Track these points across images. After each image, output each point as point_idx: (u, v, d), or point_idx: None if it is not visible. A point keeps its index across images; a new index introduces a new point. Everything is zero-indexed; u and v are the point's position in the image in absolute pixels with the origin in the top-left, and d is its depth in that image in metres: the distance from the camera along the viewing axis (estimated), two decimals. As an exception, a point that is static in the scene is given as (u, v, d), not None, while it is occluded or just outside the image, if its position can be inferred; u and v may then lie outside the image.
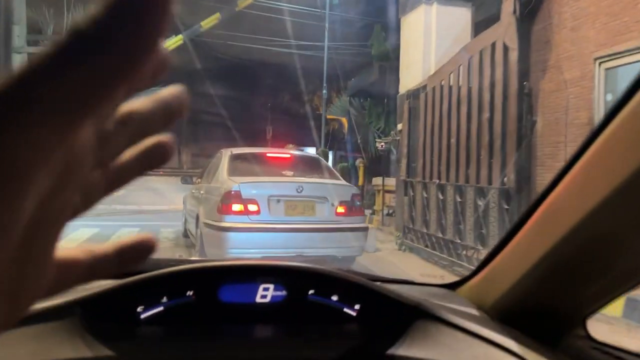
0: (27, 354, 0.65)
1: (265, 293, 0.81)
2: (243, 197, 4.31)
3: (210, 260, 0.83)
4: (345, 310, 0.84)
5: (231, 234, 4.26)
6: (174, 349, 0.73)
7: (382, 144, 9.94)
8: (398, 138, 7.86)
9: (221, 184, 4.65)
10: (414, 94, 7.28)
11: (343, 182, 5.11)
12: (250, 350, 0.75)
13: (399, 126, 7.91)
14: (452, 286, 1.04)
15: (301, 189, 4.47)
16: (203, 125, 33.47)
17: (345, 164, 14.84)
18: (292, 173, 4.94)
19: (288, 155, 5.48)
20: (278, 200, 4.43)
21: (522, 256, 0.79)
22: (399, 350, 0.76)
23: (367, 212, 8.72)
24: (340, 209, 4.59)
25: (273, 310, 0.82)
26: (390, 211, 9.31)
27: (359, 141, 11.59)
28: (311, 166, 5.32)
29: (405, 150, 7.25)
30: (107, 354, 0.68)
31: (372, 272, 1.26)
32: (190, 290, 0.79)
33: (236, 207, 4.28)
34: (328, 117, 32.57)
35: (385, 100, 13.80)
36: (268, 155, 5.39)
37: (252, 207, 4.33)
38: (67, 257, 0.21)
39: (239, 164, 4.95)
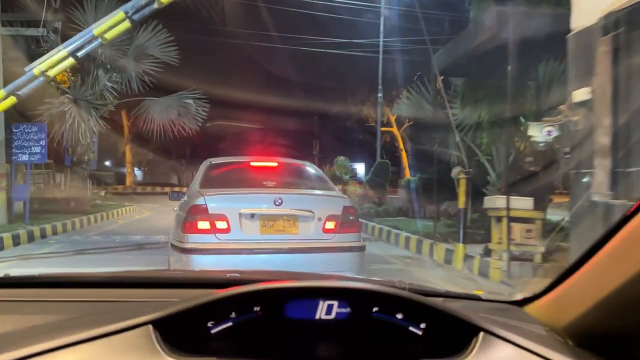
0: None
1: (330, 310, 0.82)
2: (210, 212, 3.75)
3: (277, 278, 0.87)
4: (411, 329, 0.83)
5: (194, 257, 3.72)
6: None
7: (548, 129, 5.34)
8: (574, 118, 4.70)
9: (189, 197, 4.14)
10: (629, 18, 3.76)
11: (334, 192, 4.47)
12: None
13: (578, 94, 4.52)
14: (520, 303, 1.01)
15: (280, 201, 3.86)
16: (241, 138, 32.88)
17: (411, 179, 13.00)
18: (274, 184, 4.31)
19: (274, 164, 4.78)
20: (252, 215, 3.84)
21: (607, 276, 0.74)
22: None
23: (476, 251, 6.63)
24: (329, 225, 3.93)
25: (337, 327, 0.82)
26: (525, 254, 5.91)
27: (456, 141, 8.52)
28: (300, 175, 4.76)
29: (605, 139, 4.00)
30: None
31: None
32: (257, 306, 0.81)
33: (202, 224, 3.76)
34: (382, 129, 31.78)
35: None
36: (251, 164, 4.75)
37: (220, 224, 3.76)
38: None
39: (216, 175, 4.47)
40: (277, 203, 3.85)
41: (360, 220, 11.60)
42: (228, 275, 1.22)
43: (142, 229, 10.80)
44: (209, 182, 4.28)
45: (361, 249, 4.12)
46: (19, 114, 11.05)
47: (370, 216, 12.87)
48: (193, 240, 3.77)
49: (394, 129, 30.65)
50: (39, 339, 0.71)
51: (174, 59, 12.99)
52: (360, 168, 25.50)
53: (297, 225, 3.91)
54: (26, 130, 9.76)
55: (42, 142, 9.92)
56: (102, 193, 18.34)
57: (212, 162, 4.66)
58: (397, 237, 9.40)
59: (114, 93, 13.91)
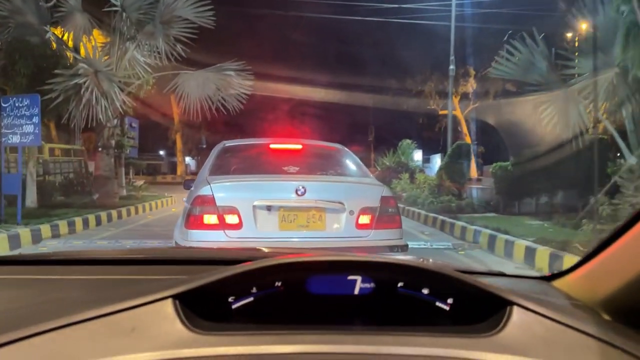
0: (128, 339, 0.68)
1: (353, 285, 0.80)
2: (218, 204, 3.24)
3: (299, 254, 0.87)
4: (438, 304, 0.81)
5: None
6: (264, 338, 0.73)
7: None
8: None
9: (195, 187, 3.63)
10: None
11: (369, 179, 3.90)
12: (338, 343, 0.73)
13: None
14: (548, 279, 1.00)
15: (303, 190, 3.32)
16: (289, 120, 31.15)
17: (502, 164, 10.66)
18: (297, 169, 3.75)
19: (299, 147, 4.19)
20: (269, 209, 3.33)
21: None
22: (493, 343, 0.71)
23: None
24: (364, 219, 3.42)
25: (361, 302, 0.81)
26: None
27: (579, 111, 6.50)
28: (330, 160, 4.13)
29: None
30: (201, 341, 0.70)
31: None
32: (279, 282, 0.79)
33: (208, 218, 3.25)
34: (440, 112, 29.52)
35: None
36: (271, 147, 4.13)
37: (230, 219, 3.26)
38: None
39: (229, 160, 4.01)
40: (299, 193, 3.32)
41: (442, 218, 8.84)
42: (248, 252, 1.25)
43: (171, 226, 8.69)
44: (220, 169, 3.81)
45: (403, 248, 3.49)
46: (27, 88, 9.22)
47: (452, 212, 10.20)
48: (197, 237, 3.26)
49: (457, 112, 28.89)
50: (64, 313, 0.70)
51: (209, 20, 10.85)
52: (417, 155, 23.35)
53: (325, 220, 3.37)
54: (17, 105, 7.64)
55: (35, 120, 7.68)
56: (140, 183, 16.62)
57: (226, 145, 4.22)
58: (508, 246, 6.66)
59: (147, 68, 11.97)
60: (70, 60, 10.32)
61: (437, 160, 26.04)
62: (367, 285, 0.79)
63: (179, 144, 33.50)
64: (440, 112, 29.38)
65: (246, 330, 0.73)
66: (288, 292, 0.79)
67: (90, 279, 1.02)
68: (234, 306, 0.78)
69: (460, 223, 8.65)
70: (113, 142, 11.98)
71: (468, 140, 26.06)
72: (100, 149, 11.89)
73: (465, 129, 26.96)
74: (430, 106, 27.78)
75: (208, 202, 3.21)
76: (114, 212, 10.35)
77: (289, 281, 0.79)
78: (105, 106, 9.83)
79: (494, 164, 11.14)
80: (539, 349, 0.68)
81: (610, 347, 0.67)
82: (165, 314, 0.71)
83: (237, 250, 1.34)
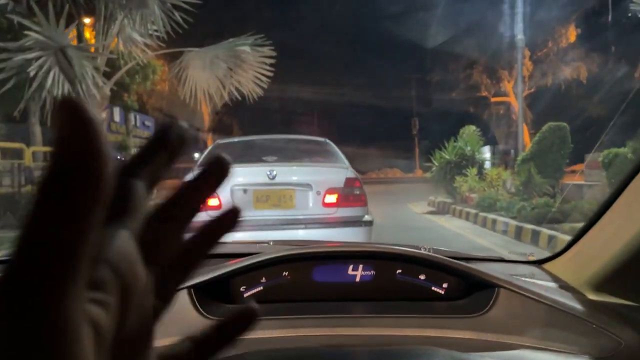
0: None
1: (355, 273, 0.88)
2: None
3: (304, 246, 1.00)
4: (434, 288, 0.88)
5: None
6: (270, 323, 0.80)
7: None
8: None
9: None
10: None
11: (336, 164, 4.18)
12: (343, 326, 0.79)
13: None
14: (540, 262, 1.06)
15: (273, 174, 3.71)
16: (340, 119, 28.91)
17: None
18: (275, 158, 4.15)
19: (285, 140, 4.82)
20: (245, 191, 3.73)
21: (621, 229, 0.79)
22: (480, 324, 0.78)
23: None
24: (330, 198, 3.73)
25: (363, 288, 0.88)
26: None
27: None
28: (311, 152, 4.52)
29: None
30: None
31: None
32: (286, 271, 0.88)
33: None
34: (492, 99, 26.39)
35: None
36: (257, 141, 4.73)
37: (211, 201, 3.39)
38: (167, 357, 0.24)
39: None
40: (270, 176, 3.74)
41: (554, 233, 5.73)
42: (258, 245, 1.36)
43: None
44: None
45: (367, 223, 3.82)
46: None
47: (556, 221, 7.05)
48: None
49: (511, 98, 25.69)
50: None
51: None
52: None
53: (294, 200, 3.77)
54: None
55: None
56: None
57: (219, 143, 4.76)
58: None
59: (142, 46, 9.48)
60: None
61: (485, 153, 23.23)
62: (368, 272, 0.87)
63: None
64: (492, 99, 26.18)
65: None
66: (295, 281, 0.87)
67: None
68: (245, 295, 0.87)
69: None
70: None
71: (525, 129, 24.54)
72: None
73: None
74: (481, 93, 24.94)
75: None
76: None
77: (295, 270, 0.87)
78: (71, 92, 7.32)
79: (606, 151, 8.05)
80: (520, 327, 0.76)
81: (589, 325, 0.75)
82: (183, 303, 0.80)
83: (248, 244, 1.43)
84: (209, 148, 4.62)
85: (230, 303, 0.84)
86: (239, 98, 9.38)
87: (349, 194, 3.77)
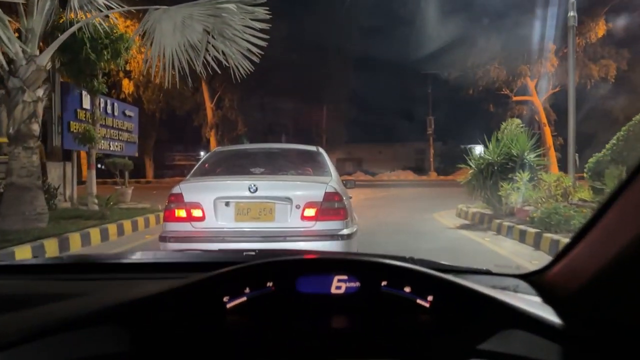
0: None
1: (340, 284, 0.85)
2: (186, 200, 3.82)
3: (288, 254, 0.92)
4: (419, 301, 0.86)
5: (169, 245, 3.74)
6: (258, 337, 0.79)
7: None
8: None
9: (172, 188, 4.14)
10: None
11: (317, 178, 4.24)
12: (327, 339, 0.79)
13: None
14: (527, 277, 1.05)
15: (255, 188, 3.79)
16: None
17: None
18: (262, 170, 4.33)
19: (277, 150, 4.91)
20: (227, 203, 3.83)
21: (607, 244, 0.76)
22: (471, 341, 0.77)
23: None
24: (309, 212, 3.80)
25: (348, 301, 0.86)
26: None
27: None
28: (301, 163, 4.62)
29: None
30: (198, 338, 0.76)
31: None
32: (270, 282, 0.85)
33: (178, 212, 3.83)
34: (514, 97, 24.84)
35: None
36: (250, 150, 5.00)
37: (196, 212, 3.82)
38: None
39: (211, 164, 4.60)
40: (251, 190, 3.80)
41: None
42: (244, 253, 1.30)
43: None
44: (201, 171, 4.42)
45: (347, 237, 3.83)
46: None
47: None
48: (171, 228, 3.84)
49: (534, 98, 23.77)
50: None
51: None
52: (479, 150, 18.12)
53: (274, 213, 3.84)
54: None
55: None
56: (122, 191, 11.97)
57: (216, 151, 4.96)
58: None
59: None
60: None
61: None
62: (353, 284, 0.85)
63: (213, 143, 28.59)
64: (514, 98, 24.18)
65: (236, 328, 0.85)
66: (279, 292, 0.84)
67: (105, 282, 1.09)
68: (228, 306, 0.84)
69: None
70: (36, 127, 7.14)
71: (547, 130, 22.51)
72: (8, 141, 7.13)
73: (543, 118, 22.58)
74: (502, 91, 23.38)
75: (178, 199, 3.82)
76: (16, 250, 5.68)
77: (280, 281, 0.84)
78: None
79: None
80: (508, 341, 0.76)
81: (566, 340, 0.75)
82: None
83: (234, 252, 1.47)
84: (208, 154, 4.85)
85: (215, 313, 0.83)
86: (218, 71, 7.11)
87: (328, 208, 3.82)
